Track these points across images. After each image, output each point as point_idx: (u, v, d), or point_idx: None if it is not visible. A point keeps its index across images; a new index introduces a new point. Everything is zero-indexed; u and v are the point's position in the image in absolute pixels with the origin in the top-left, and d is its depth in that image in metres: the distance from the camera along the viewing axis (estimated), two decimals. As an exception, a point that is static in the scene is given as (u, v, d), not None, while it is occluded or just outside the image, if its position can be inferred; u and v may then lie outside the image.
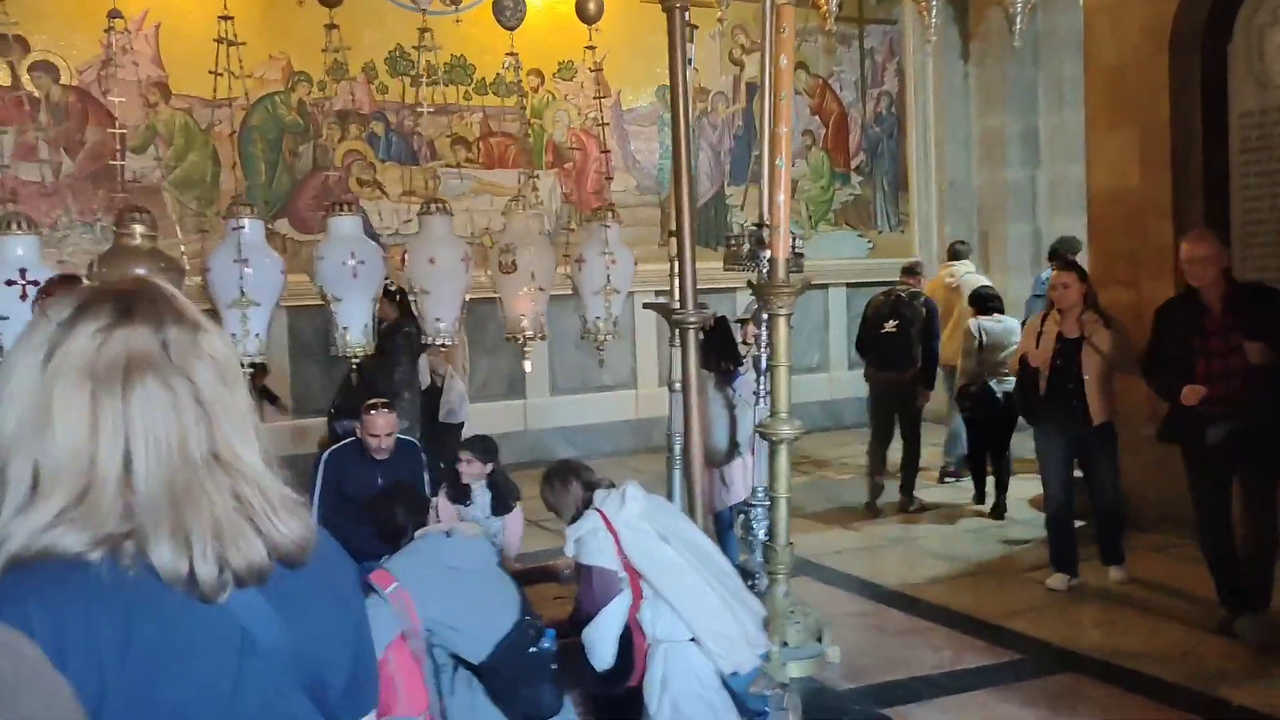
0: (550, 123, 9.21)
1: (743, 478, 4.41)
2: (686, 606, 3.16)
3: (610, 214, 4.35)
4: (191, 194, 7.92)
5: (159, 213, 7.78)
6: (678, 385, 4.76)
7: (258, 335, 3.70)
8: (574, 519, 3.42)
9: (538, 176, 8.40)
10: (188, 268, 3.65)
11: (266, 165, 8.17)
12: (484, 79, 8.83)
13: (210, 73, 4.12)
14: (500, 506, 4.70)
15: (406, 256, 4.04)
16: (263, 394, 6.61)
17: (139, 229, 3.58)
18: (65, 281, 3.35)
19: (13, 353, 1.14)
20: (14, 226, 3.38)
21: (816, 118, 10.46)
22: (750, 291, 3.98)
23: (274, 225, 7.90)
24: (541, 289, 4.15)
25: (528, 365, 4.22)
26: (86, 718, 0.96)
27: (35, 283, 3.37)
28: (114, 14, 4.55)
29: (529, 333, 4.18)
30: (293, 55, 8.11)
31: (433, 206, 4.03)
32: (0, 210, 4.09)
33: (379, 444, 4.84)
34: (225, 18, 4.06)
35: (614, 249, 4.25)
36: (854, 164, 10.69)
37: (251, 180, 8.01)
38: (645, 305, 4.63)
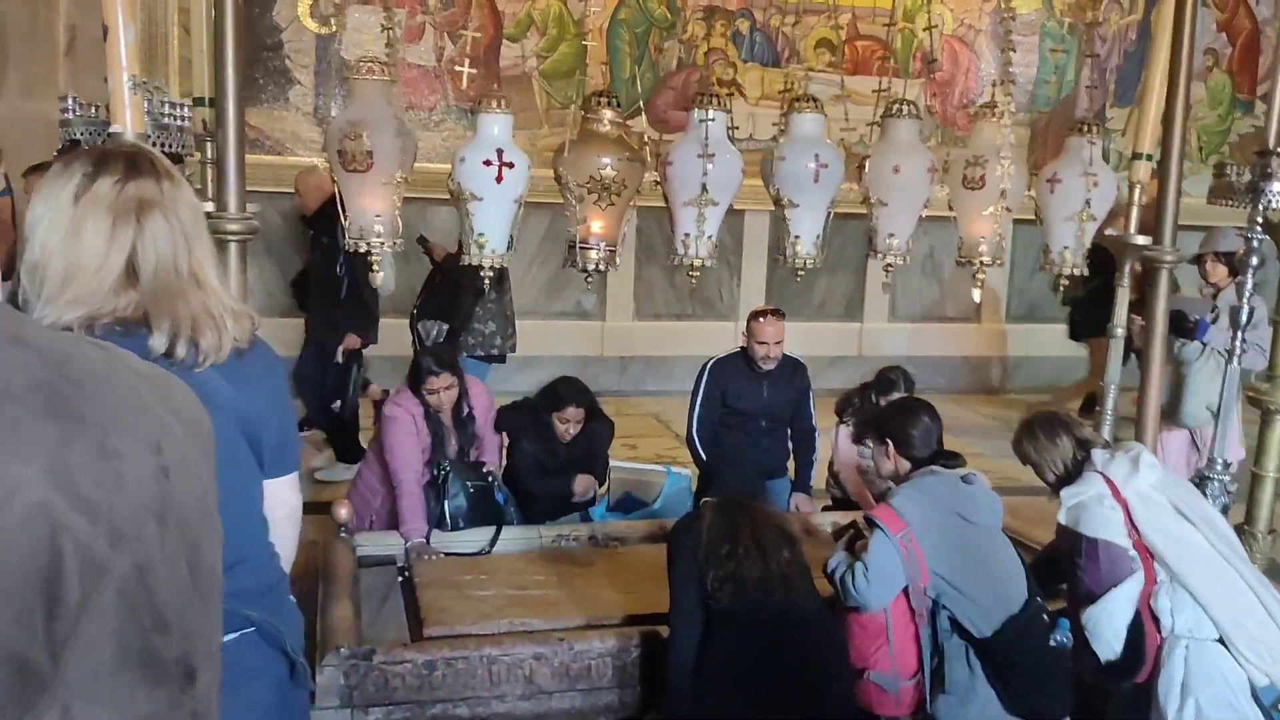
0: (921, 27, 8.51)
1: (1219, 443, 3.80)
2: (1216, 600, 2.68)
3: (1093, 129, 3.78)
4: (558, 85, 7.89)
5: (527, 102, 7.88)
6: (1119, 330, 4.20)
7: (710, 236, 3.46)
8: (1060, 480, 2.99)
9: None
10: (649, 159, 3.43)
11: (631, 61, 8.01)
12: (855, -23, 8.24)
13: None
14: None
15: (866, 163, 3.65)
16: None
17: (607, 114, 3.37)
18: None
19: (47, 194, 1.66)
20: (495, 105, 3.25)
21: (1224, 35, 9.14)
22: (1236, 231, 3.34)
23: (631, 123, 7.77)
24: (1008, 209, 3.66)
25: (976, 294, 3.76)
26: None
27: (510, 164, 3.24)
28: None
29: (986, 258, 3.71)
30: (667, -55, 7.83)
31: (901, 109, 3.61)
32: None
33: (766, 352, 4.57)
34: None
35: (1097, 168, 3.69)
36: (1260, 92, 9.31)
37: (615, 75, 7.88)
38: (1104, 238, 4.05)
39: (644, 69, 8.07)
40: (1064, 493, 2.90)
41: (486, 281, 3.29)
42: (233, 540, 0.87)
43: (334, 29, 7.41)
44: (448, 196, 3.30)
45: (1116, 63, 8.93)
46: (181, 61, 6.66)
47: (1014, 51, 4.09)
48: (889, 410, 3.42)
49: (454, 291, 5.52)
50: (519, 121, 3.58)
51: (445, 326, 5.54)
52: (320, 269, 5.70)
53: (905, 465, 2.98)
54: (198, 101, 3.23)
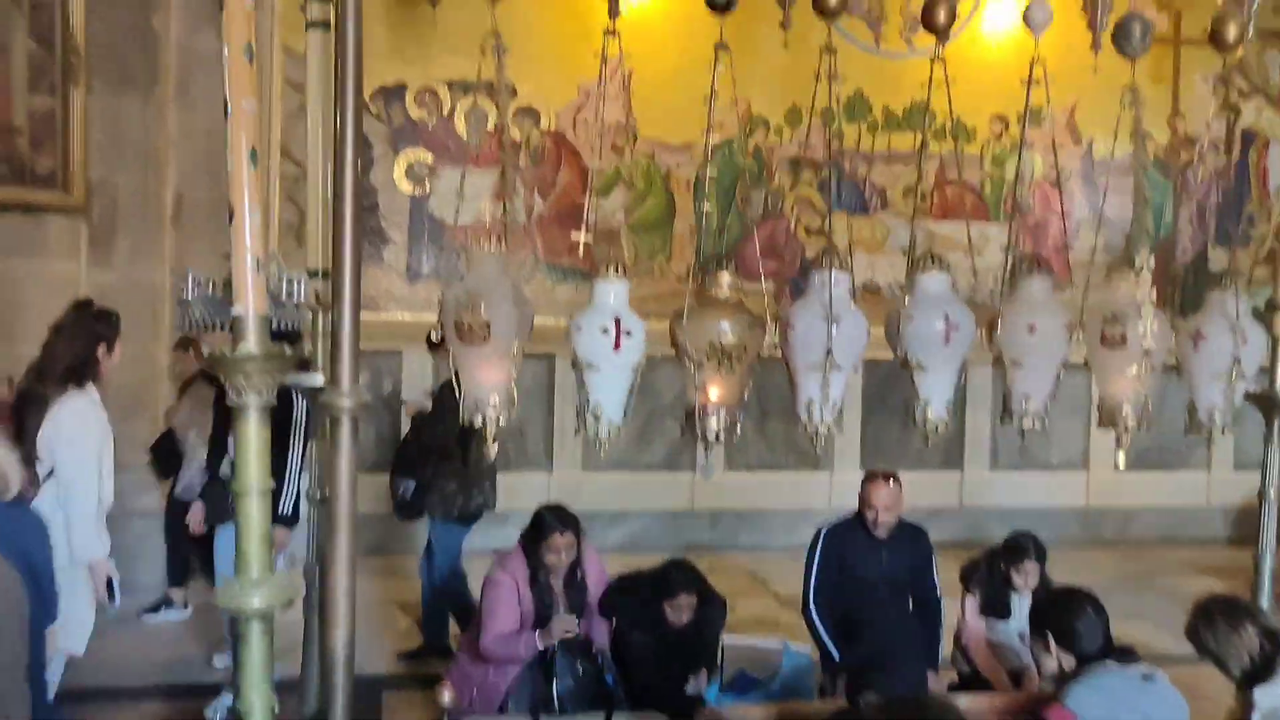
0: (1011, 171, 8.43)
1: None
2: None
3: (1236, 283, 3.56)
4: (646, 238, 7.92)
5: (616, 254, 7.92)
6: (1271, 491, 3.87)
7: (835, 401, 3.28)
8: (1247, 675, 2.67)
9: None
10: (770, 324, 3.30)
11: (719, 212, 8.03)
12: (942, 125, 8.23)
13: (704, 131, 3.76)
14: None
15: (998, 321, 3.47)
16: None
17: (725, 278, 3.26)
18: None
19: None
20: (612, 271, 3.16)
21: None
22: None
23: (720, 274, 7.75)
24: (1153, 369, 3.43)
25: (1121, 460, 3.49)
26: None
27: (628, 332, 3.12)
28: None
29: (1131, 421, 3.46)
30: (753, 99, 7.93)
31: (1032, 264, 3.44)
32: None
33: (880, 517, 4.31)
34: (720, 49, 3.64)
35: (1245, 324, 3.46)
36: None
37: (702, 227, 7.90)
38: (1247, 396, 3.78)
39: (731, 219, 8.08)
40: (1256, 693, 2.58)
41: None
42: None
43: (427, 189, 7.57)
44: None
45: (1215, 201, 8.73)
46: (284, 226, 6.83)
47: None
48: (1046, 602, 3.14)
49: (421, 448, 5.37)
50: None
51: (413, 484, 5.34)
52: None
53: (1070, 661, 2.69)
54: (311, 274, 3.20)
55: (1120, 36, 3.44)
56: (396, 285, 7.52)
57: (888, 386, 6.40)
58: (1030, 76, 3.52)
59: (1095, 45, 7.63)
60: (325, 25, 3.23)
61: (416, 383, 6.67)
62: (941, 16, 3.33)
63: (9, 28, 5.35)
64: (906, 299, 3.39)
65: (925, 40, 3.46)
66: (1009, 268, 3.53)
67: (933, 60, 3.41)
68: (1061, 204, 8.60)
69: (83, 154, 5.54)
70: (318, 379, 3.21)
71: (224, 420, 4.17)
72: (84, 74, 5.53)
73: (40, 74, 5.34)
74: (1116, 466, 3.65)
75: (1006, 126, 8.32)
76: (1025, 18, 3.47)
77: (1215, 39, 3.52)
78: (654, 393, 5.73)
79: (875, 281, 8.14)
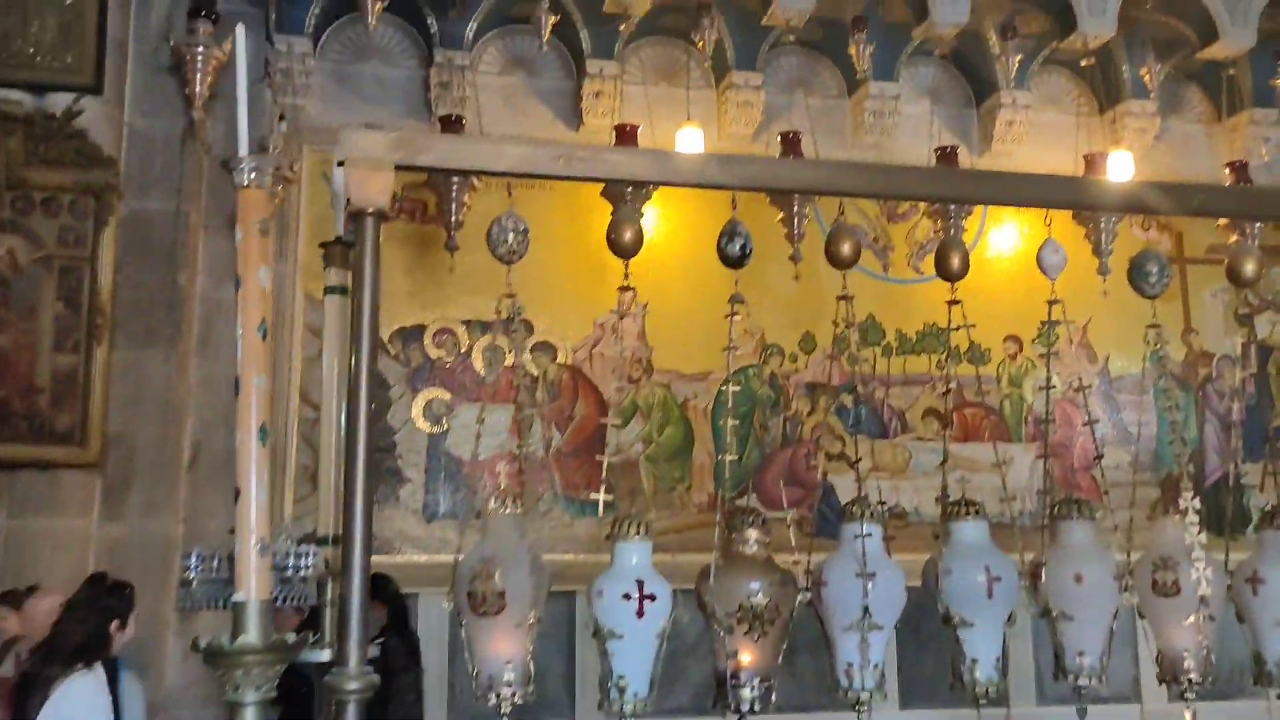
0: (1030, 392, 8.40)
1: None
2: None
3: (1289, 520, 3.39)
4: (665, 468, 7.82)
5: (634, 486, 7.80)
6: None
7: (877, 665, 3.07)
8: None
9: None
10: (804, 583, 3.13)
11: (737, 440, 7.96)
12: (957, 346, 8.27)
13: (724, 350, 3.69)
14: None
15: (1040, 570, 3.29)
16: None
17: (753, 534, 3.12)
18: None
19: None
20: (633, 530, 3.03)
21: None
22: None
23: (740, 501, 7.61)
24: (1212, 618, 3.22)
25: (1188, 718, 3.22)
26: None
27: (651, 597, 2.96)
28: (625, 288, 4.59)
29: (1195, 675, 3.23)
30: (766, 329, 8.02)
31: (1072, 509, 3.29)
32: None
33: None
34: (735, 301, 3.61)
35: (1308, 567, 3.26)
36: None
37: (720, 456, 7.81)
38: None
39: (750, 447, 8.00)
40: None
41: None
42: None
43: (444, 427, 7.56)
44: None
45: (1239, 417, 8.63)
46: (299, 468, 6.78)
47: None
48: None
49: None
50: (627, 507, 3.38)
51: None
52: None
53: None
54: (321, 541, 3.09)
55: (1137, 277, 3.43)
56: (412, 525, 7.38)
57: (921, 615, 6.12)
58: (1049, 316, 3.48)
59: (1102, 270, 7.72)
60: (343, 290, 3.27)
61: (434, 632, 6.44)
62: (955, 263, 3.34)
63: (39, 290, 5.48)
64: (943, 550, 3.23)
65: (932, 266, 3.46)
66: (1048, 513, 3.38)
67: (949, 304, 3.39)
68: (1090, 424, 8.51)
69: (102, 410, 5.56)
70: (324, 654, 3.03)
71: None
72: (108, 332, 5.62)
73: (65, 334, 5.43)
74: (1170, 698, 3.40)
75: (1020, 347, 8.35)
76: (1039, 260, 3.46)
77: (1232, 275, 3.50)
78: (677, 633, 5.48)
79: (900, 505, 7.96)
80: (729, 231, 3.09)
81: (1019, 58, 7.79)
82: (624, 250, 3.04)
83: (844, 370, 8.20)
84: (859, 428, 8.11)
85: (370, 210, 2.71)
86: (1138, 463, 8.33)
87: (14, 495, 5.48)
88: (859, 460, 3.37)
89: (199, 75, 6.24)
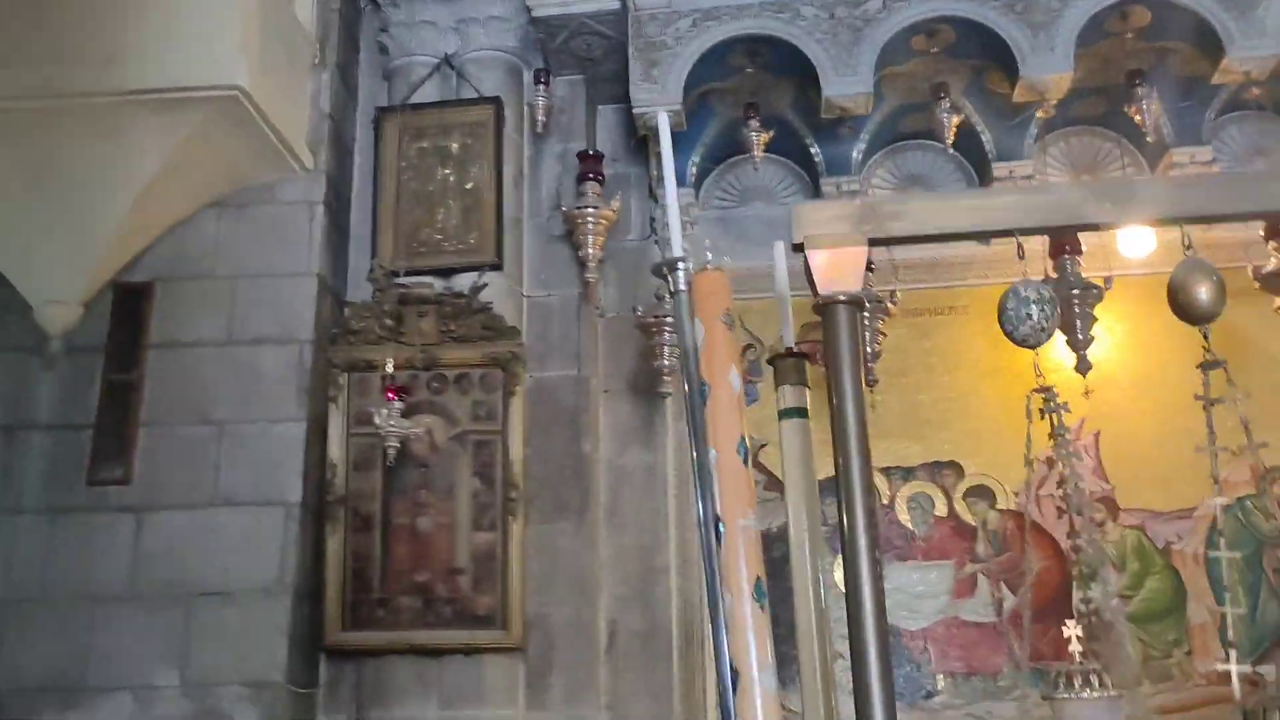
0: None
1: None
2: None
3: None
4: (1154, 629, 6.34)
5: (1112, 654, 6.36)
6: None
7: None
8: None
9: None
10: None
11: (1244, 589, 6.33)
12: None
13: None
14: None
15: None
16: None
17: None
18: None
19: None
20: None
21: None
22: None
23: (1262, 669, 5.94)
24: None
25: None
26: None
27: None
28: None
29: None
30: (1268, 442, 6.43)
31: None
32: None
33: None
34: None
35: None
36: None
37: (1227, 609, 6.21)
38: None
39: (1263, 598, 6.32)
40: None
41: None
42: None
43: (873, 591, 6.63)
44: None
45: None
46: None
47: None
48: None
49: None
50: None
51: None
52: None
53: None
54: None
55: None
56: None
57: None
58: None
59: None
60: (801, 412, 2.76)
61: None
62: None
63: (457, 468, 5.38)
64: None
65: None
66: None
67: None
68: None
69: (521, 589, 5.25)
70: None
71: None
72: (522, 506, 5.39)
73: (482, 511, 5.27)
74: None
75: None
76: None
77: None
78: None
79: None
80: None
81: None
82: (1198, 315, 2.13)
83: (1380, 492, 6.36)
84: None
85: (843, 297, 2.04)
86: None
87: (444, 685, 5.24)
88: None
89: (589, 238, 6.14)
